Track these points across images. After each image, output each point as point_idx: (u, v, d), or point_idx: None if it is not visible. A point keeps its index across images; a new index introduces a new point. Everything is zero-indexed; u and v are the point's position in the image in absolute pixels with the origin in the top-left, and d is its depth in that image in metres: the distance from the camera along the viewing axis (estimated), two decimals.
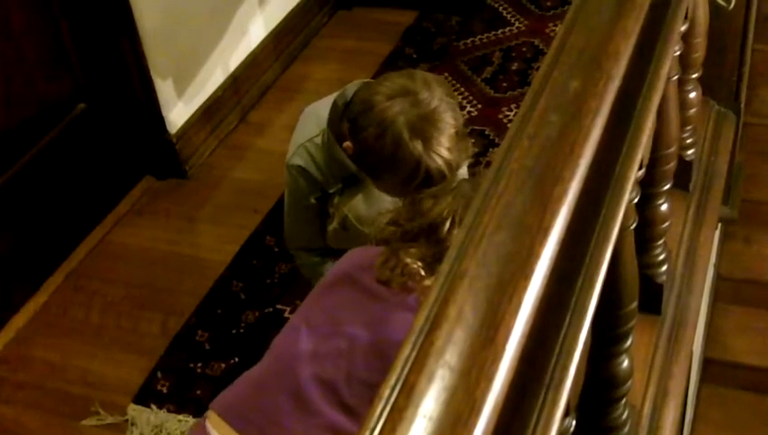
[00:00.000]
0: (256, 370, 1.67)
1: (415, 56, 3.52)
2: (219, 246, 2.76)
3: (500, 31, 3.62)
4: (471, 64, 3.44)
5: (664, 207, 1.60)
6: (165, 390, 2.34)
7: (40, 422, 2.33)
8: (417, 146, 1.81)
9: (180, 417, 2.27)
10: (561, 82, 0.96)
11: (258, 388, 1.63)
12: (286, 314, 2.48)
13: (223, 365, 2.38)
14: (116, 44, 2.74)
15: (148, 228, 2.87)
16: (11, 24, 2.47)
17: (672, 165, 1.59)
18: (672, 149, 1.57)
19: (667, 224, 1.62)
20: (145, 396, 2.33)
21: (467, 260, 0.76)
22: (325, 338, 1.58)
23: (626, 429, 1.34)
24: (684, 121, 1.79)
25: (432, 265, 1.53)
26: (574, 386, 0.90)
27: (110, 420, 2.30)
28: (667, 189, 1.60)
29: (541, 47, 3.49)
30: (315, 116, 2.09)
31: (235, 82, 3.25)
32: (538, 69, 1.02)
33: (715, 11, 1.84)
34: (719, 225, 2.61)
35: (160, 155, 3.00)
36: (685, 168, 1.88)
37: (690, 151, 1.91)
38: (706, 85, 2.00)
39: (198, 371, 2.38)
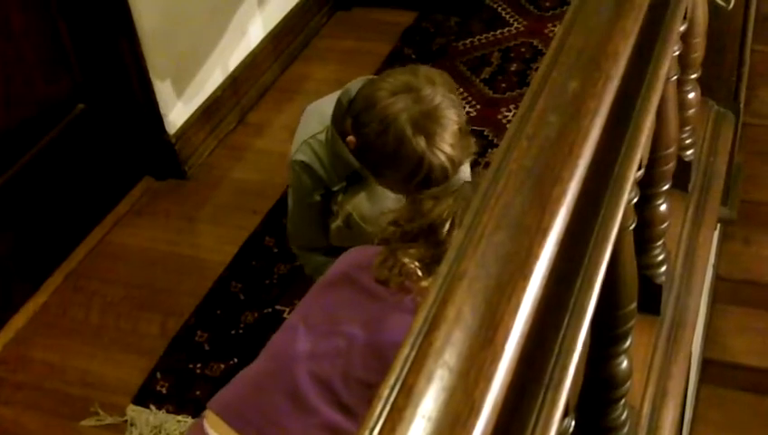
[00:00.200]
0: (253, 368, 1.67)
1: (414, 56, 3.51)
2: (218, 247, 2.76)
3: (499, 31, 3.62)
4: (470, 65, 3.44)
5: (663, 208, 1.60)
6: (164, 390, 2.34)
7: (39, 423, 2.32)
8: (420, 142, 1.81)
9: (180, 417, 2.27)
10: (560, 83, 0.96)
11: (256, 387, 1.62)
12: (285, 315, 2.48)
13: (222, 366, 2.38)
14: (115, 45, 2.74)
15: (148, 229, 2.86)
16: (10, 25, 2.47)
17: (671, 165, 1.59)
18: (671, 150, 1.57)
19: (666, 224, 1.62)
20: (144, 397, 2.33)
21: (466, 261, 0.76)
22: (323, 337, 1.58)
23: (625, 429, 1.34)
24: (683, 122, 1.79)
25: (430, 266, 1.52)
26: (573, 386, 0.90)
27: (109, 420, 2.29)
28: (666, 190, 1.60)
29: (540, 48, 3.48)
30: (318, 113, 2.09)
31: (235, 82, 3.25)
32: (537, 69, 1.02)
33: (714, 11, 1.84)
34: (718, 225, 2.61)
35: (160, 155, 2.99)
36: (684, 168, 1.88)
37: (689, 152, 1.91)
38: (705, 85, 1.99)
39: (198, 371, 2.38)
